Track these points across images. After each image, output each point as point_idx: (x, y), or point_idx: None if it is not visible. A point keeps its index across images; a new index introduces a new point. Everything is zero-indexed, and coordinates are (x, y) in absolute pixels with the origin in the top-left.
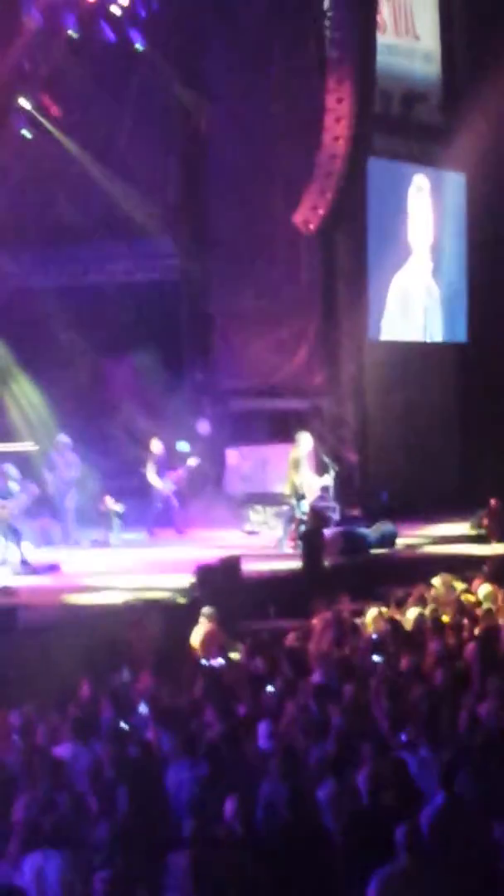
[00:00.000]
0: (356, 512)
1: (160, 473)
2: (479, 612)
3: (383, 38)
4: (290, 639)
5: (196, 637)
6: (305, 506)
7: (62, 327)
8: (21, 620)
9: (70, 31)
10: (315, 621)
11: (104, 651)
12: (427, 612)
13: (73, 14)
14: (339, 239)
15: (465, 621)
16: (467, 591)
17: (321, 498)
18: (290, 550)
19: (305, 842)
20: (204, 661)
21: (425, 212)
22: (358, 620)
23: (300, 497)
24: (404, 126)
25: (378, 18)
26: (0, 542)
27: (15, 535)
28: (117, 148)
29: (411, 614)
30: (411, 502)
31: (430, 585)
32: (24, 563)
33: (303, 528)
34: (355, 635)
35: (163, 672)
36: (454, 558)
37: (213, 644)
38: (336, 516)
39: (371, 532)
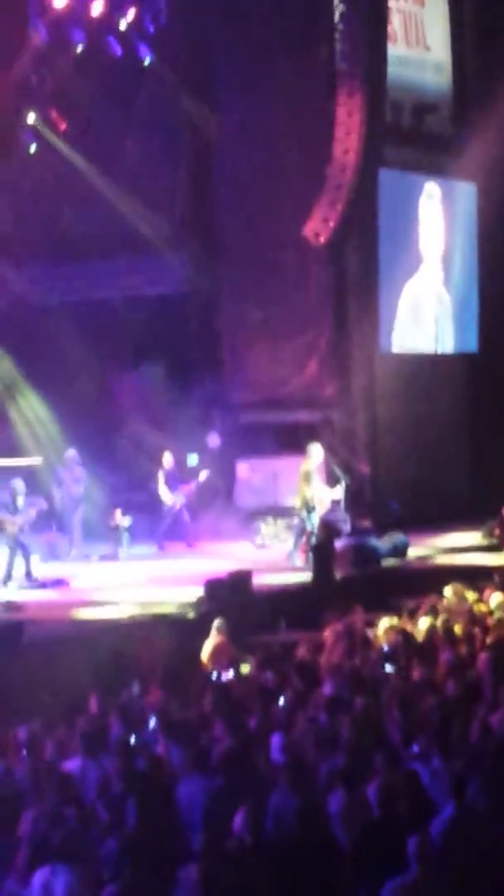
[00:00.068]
0: (367, 523)
1: (171, 487)
2: (490, 621)
3: (394, 49)
4: (301, 651)
5: (206, 650)
6: (316, 518)
7: (70, 342)
8: (28, 635)
9: (77, 46)
10: (326, 633)
11: (112, 665)
12: (439, 622)
13: (80, 28)
14: (349, 251)
15: (477, 631)
16: (479, 600)
17: (332, 510)
18: (300, 563)
19: (316, 854)
20: (214, 675)
21: (436, 219)
22: (370, 632)
23: (311, 509)
24: (415, 137)
25: (388, 29)
26: (6, 557)
27: (23, 549)
28: (125, 162)
29: (423, 625)
30: (422, 513)
31: (441, 596)
32: (31, 577)
33: (314, 540)
34: (367, 647)
35: (172, 686)
36: (466, 568)
37: (224, 657)
38: (347, 528)
39: (382, 543)
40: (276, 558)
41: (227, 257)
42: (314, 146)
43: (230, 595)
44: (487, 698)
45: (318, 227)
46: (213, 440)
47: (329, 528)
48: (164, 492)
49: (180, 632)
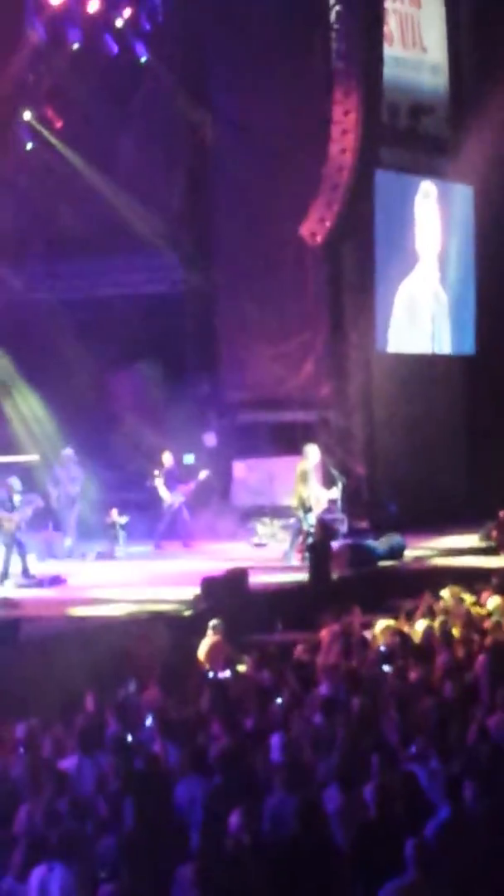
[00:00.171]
0: (364, 524)
1: (170, 486)
2: (488, 624)
3: (390, 51)
4: (298, 651)
5: (203, 649)
6: (313, 518)
7: (66, 340)
8: (25, 632)
9: (74, 44)
10: (323, 634)
11: (109, 664)
12: (436, 624)
13: (76, 27)
14: (345, 251)
15: (474, 634)
16: (476, 603)
17: (329, 510)
18: (297, 563)
19: (313, 854)
20: (210, 674)
21: (432, 219)
22: (367, 633)
23: (307, 509)
24: (412, 138)
25: (385, 30)
26: (3, 555)
27: (19, 547)
28: (122, 160)
29: (420, 627)
30: (419, 514)
31: (438, 598)
32: (28, 575)
33: (310, 540)
34: (363, 648)
35: (169, 685)
36: (463, 570)
37: (220, 656)
38: (344, 528)
39: (379, 544)
40: (272, 558)
41: (223, 256)
42: (311, 145)
43: (227, 594)
44: (485, 701)
45: (315, 227)
46: (210, 439)
47: (326, 529)
48: (163, 491)
49: (177, 630)
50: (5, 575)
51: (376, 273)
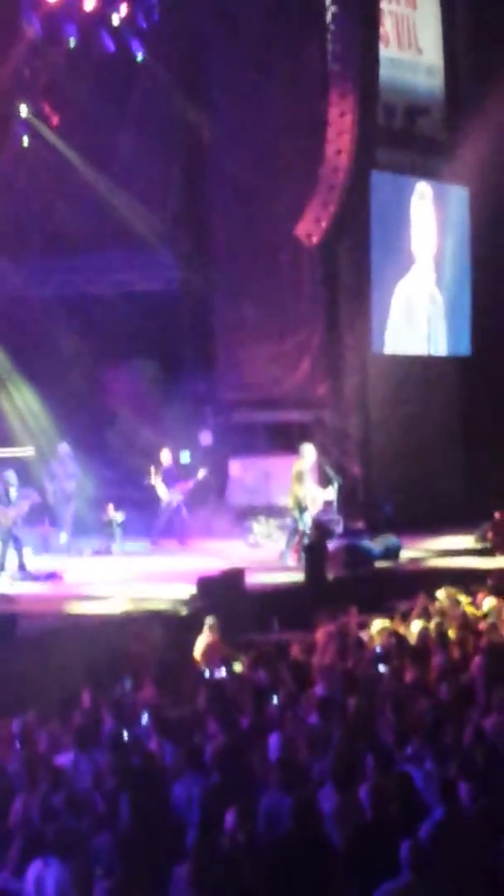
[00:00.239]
0: (360, 524)
1: (168, 484)
2: (483, 626)
3: (386, 52)
4: (294, 651)
5: (198, 648)
6: (308, 518)
7: (62, 337)
8: (21, 628)
9: (70, 40)
10: (319, 634)
11: (105, 661)
12: (432, 625)
13: (73, 23)
14: (341, 252)
15: (470, 635)
16: (472, 604)
17: (324, 511)
18: (293, 563)
19: (308, 853)
20: (206, 673)
21: (428, 220)
22: (362, 633)
23: (303, 509)
24: (407, 139)
25: (381, 32)
26: None
27: (15, 542)
28: (118, 157)
29: (415, 627)
30: (415, 515)
31: (434, 599)
32: (24, 570)
33: (306, 540)
34: (360, 648)
35: (165, 683)
36: (458, 571)
37: (216, 655)
38: (339, 529)
39: (375, 545)
40: (268, 557)
41: (219, 255)
42: (307, 146)
43: (223, 593)
44: (480, 702)
45: (310, 227)
46: (206, 438)
47: (321, 529)
48: (161, 489)
49: (173, 628)
50: (1, 569)
51: (372, 274)
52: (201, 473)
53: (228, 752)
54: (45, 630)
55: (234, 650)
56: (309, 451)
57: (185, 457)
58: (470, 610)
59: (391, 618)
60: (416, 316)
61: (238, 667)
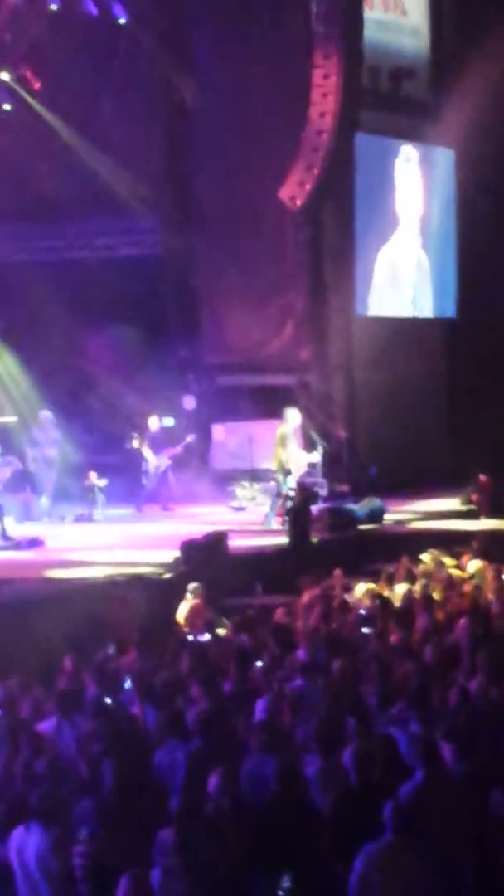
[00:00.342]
0: (344, 488)
1: (156, 450)
2: (468, 588)
3: (371, 14)
4: (278, 615)
5: (182, 613)
6: (292, 482)
7: (45, 302)
8: (3, 595)
9: (52, 4)
10: (302, 598)
11: (87, 626)
12: (417, 588)
13: None
14: (325, 214)
15: (455, 597)
16: (456, 566)
17: (309, 474)
18: (277, 526)
19: (293, 817)
20: (190, 637)
21: (413, 182)
22: (347, 596)
23: (287, 473)
24: (392, 101)
25: None
26: None
27: None
28: (100, 121)
29: (400, 590)
30: (400, 478)
31: (418, 561)
32: (6, 537)
33: (290, 504)
34: (344, 611)
35: (147, 648)
36: (443, 534)
37: (199, 620)
38: (324, 492)
39: (359, 508)
40: (252, 521)
41: (203, 219)
42: (291, 108)
43: (206, 557)
44: (465, 664)
45: (294, 190)
46: (189, 403)
47: (305, 492)
48: (149, 455)
49: (156, 593)
50: None
51: (356, 237)
52: (189, 438)
53: (212, 716)
54: (28, 597)
55: (217, 614)
56: (293, 415)
57: (168, 422)
58: (455, 572)
59: (376, 581)
60: (401, 278)
61: (221, 631)
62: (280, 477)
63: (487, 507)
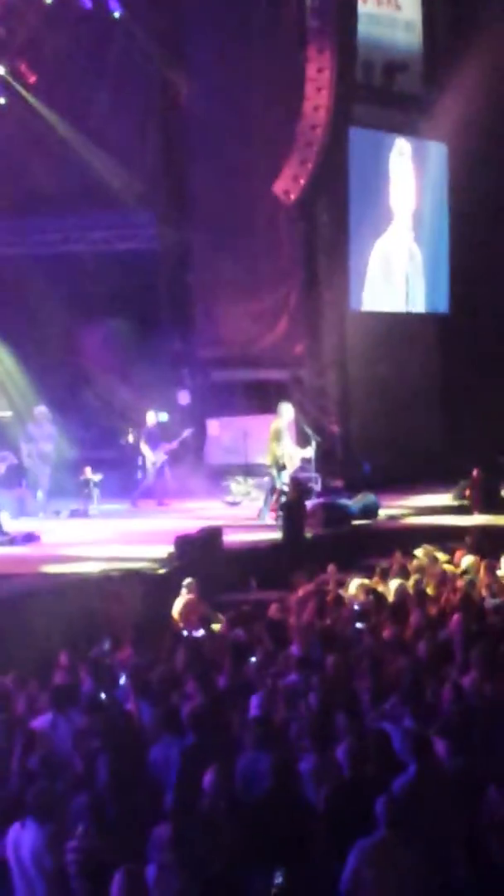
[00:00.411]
0: (338, 483)
1: (152, 445)
2: (461, 583)
3: (364, 8)
4: (272, 610)
5: (177, 608)
6: (286, 476)
7: (39, 296)
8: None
9: None
10: (296, 593)
11: (83, 621)
12: (410, 583)
13: None
14: (319, 209)
15: (448, 593)
16: (450, 562)
17: (302, 469)
18: (271, 521)
19: (288, 812)
20: (184, 633)
21: (407, 176)
22: (341, 591)
23: (281, 468)
24: (386, 95)
25: None
26: None
27: None
28: (96, 116)
29: (394, 585)
30: (394, 473)
31: (412, 556)
32: (1, 532)
33: (284, 499)
34: (338, 606)
35: (143, 643)
36: (437, 529)
37: (194, 615)
38: (318, 487)
39: (353, 503)
40: (246, 516)
41: (197, 214)
42: (285, 103)
43: (200, 552)
44: (458, 660)
45: (288, 184)
46: (184, 398)
47: (299, 487)
48: (146, 450)
49: (150, 588)
50: None
51: (350, 231)
52: (186, 432)
53: (205, 712)
54: (23, 592)
55: (212, 609)
56: (287, 410)
57: (163, 417)
58: (448, 568)
59: (369, 576)
60: (395, 273)
61: (216, 626)
62: (274, 472)
63: (481, 502)
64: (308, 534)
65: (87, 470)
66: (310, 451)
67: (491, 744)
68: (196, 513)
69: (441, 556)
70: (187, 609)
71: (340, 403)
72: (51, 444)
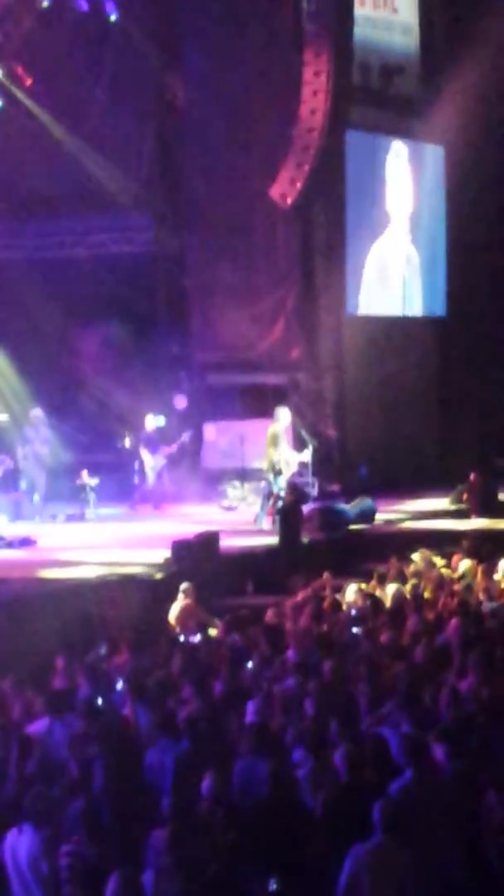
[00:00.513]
0: (335, 487)
1: (151, 449)
2: (458, 588)
3: (361, 11)
4: (269, 615)
5: (173, 613)
6: (283, 481)
7: (36, 300)
8: None
9: (43, 1)
10: (292, 599)
11: (79, 626)
12: (407, 588)
13: None
14: (316, 212)
15: (446, 597)
16: (447, 566)
17: (299, 473)
18: (268, 526)
19: (285, 818)
20: (181, 638)
21: (404, 179)
22: (337, 596)
23: (278, 472)
24: (383, 98)
25: None
26: None
27: None
28: (92, 118)
29: (391, 590)
30: (391, 477)
31: (408, 561)
32: None
33: (280, 503)
34: (335, 611)
35: (139, 648)
36: (434, 534)
37: (191, 620)
38: (314, 492)
39: (350, 508)
40: (243, 521)
41: (194, 217)
42: (282, 107)
43: (197, 557)
44: (456, 665)
45: (285, 188)
46: (181, 402)
47: (296, 492)
48: (146, 455)
49: (147, 593)
50: None
51: (347, 234)
52: (185, 436)
53: (203, 717)
54: (19, 596)
55: (209, 614)
56: (284, 414)
57: (160, 421)
58: (445, 572)
59: (367, 581)
60: (391, 276)
61: (213, 631)
62: (271, 476)
63: (478, 506)
64: (305, 538)
65: (84, 474)
66: (307, 456)
67: (489, 748)
68: (193, 517)
69: (438, 561)
70: (184, 614)
71: (337, 407)
72: (46, 447)
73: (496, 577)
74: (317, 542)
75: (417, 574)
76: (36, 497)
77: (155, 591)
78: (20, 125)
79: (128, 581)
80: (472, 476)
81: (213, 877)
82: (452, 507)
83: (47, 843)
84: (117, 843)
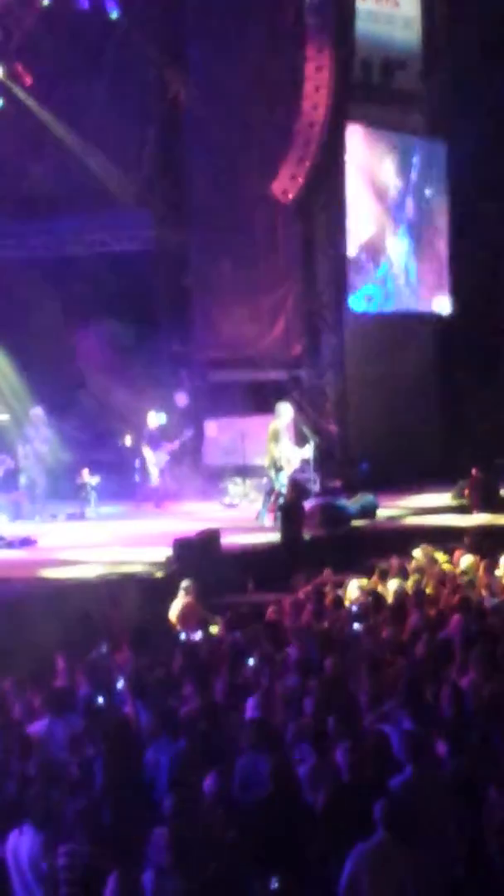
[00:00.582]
0: (336, 483)
1: (154, 447)
2: (460, 583)
3: (363, 5)
4: (270, 613)
5: (174, 611)
6: (284, 478)
7: (37, 298)
8: None
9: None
10: (293, 596)
11: (80, 625)
12: (409, 584)
13: None
14: (317, 208)
15: (447, 593)
16: (449, 562)
17: (301, 470)
18: (269, 523)
19: (287, 815)
20: (182, 636)
21: (405, 174)
22: (339, 592)
23: (279, 469)
24: (384, 93)
25: None
26: None
27: None
28: (93, 117)
29: (392, 586)
30: (392, 473)
31: (410, 557)
32: None
33: (282, 500)
34: (337, 608)
35: (140, 646)
36: (435, 529)
37: (192, 618)
38: (316, 488)
39: (351, 504)
40: (244, 518)
41: (195, 214)
42: (283, 102)
43: (199, 554)
44: (458, 661)
45: (286, 184)
46: (182, 399)
47: (298, 488)
48: (149, 454)
49: (148, 591)
50: None
51: (348, 231)
52: (187, 433)
53: (201, 715)
54: (20, 596)
55: (210, 612)
56: (285, 411)
57: (161, 418)
58: (447, 568)
59: (368, 577)
60: (393, 273)
61: (214, 629)
62: (272, 473)
63: (480, 501)
64: (306, 535)
65: (85, 472)
66: (308, 452)
67: (490, 745)
68: (194, 515)
69: (440, 557)
70: (185, 612)
71: (338, 404)
72: (46, 445)
73: (498, 573)
74: (318, 538)
75: (419, 570)
76: (38, 490)
77: (156, 590)
78: (21, 124)
79: (128, 579)
80: (473, 471)
81: (214, 875)
82: (454, 503)
83: (47, 843)
84: (117, 842)
